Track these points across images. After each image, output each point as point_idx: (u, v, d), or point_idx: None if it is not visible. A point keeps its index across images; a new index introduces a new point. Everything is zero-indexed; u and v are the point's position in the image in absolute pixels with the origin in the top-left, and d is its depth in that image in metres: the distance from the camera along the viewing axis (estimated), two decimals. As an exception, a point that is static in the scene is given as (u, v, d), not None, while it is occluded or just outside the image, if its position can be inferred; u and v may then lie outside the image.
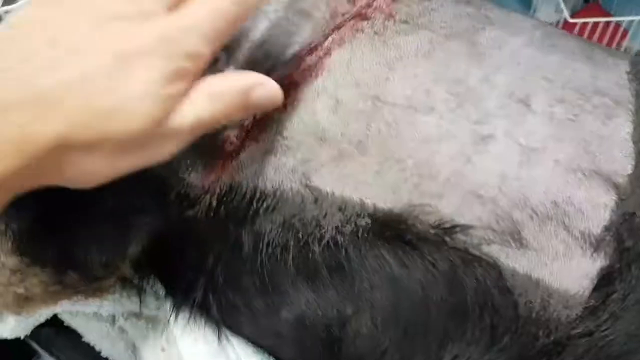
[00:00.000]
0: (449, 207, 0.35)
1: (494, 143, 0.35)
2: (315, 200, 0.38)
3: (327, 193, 0.38)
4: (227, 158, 0.40)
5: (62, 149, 0.28)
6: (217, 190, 0.40)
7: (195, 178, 0.40)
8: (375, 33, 0.40)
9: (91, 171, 0.31)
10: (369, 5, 0.41)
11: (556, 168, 0.35)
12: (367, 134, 0.38)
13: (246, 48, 0.41)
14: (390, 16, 0.41)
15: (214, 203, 0.40)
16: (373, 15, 0.41)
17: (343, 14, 0.41)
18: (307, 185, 0.38)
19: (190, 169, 0.40)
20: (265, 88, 0.35)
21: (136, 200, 0.40)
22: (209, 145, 0.40)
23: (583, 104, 0.37)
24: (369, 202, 0.37)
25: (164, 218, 0.41)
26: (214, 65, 0.42)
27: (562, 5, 0.91)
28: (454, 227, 0.34)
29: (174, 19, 0.30)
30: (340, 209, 0.37)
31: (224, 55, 0.42)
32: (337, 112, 0.39)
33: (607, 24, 0.94)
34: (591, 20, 0.94)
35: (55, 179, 0.31)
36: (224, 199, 0.40)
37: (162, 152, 0.33)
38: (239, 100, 0.34)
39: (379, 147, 0.37)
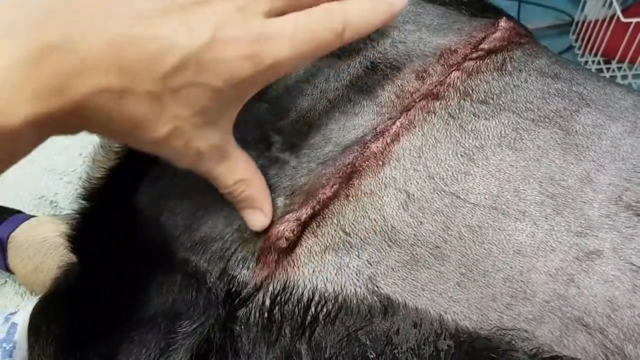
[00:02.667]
0: (548, 335, 0.30)
1: (601, 261, 0.30)
2: (385, 311, 0.33)
3: (399, 303, 0.33)
4: (282, 252, 0.36)
5: None
6: (271, 288, 0.36)
7: (246, 275, 0.36)
8: (450, 116, 0.35)
9: None
10: (441, 83, 0.36)
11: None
12: (445, 237, 0.33)
13: (303, 132, 0.37)
14: (466, 95, 0.36)
15: (267, 302, 0.36)
16: (446, 94, 0.36)
17: (412, 94, 0.36)
18: (374, 292, 0.34)
19: (241, 264, 0.36)
20: None
21: (181, 304, 0.36)
22: (262, 240, 0.36)
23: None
24: (449, 318, 0.32)
25: (212, 322, 0.37)
26: (267, 151, 0.38)
27: (615, 3, 0.85)
28: (554, 358, 0.30)
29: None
30: (415, 325, 0.33)
31: (280, 139, 0.38)
32: (409, 209, 0.34)
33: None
34: None
35: None
36: (279, 298, 0.36)
37: None
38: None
39: (461, 255, 0.32)
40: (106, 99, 0.27)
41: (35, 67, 0.25)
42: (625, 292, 0.29)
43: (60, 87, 0.25)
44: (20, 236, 0.54)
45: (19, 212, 0.58)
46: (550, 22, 1.09)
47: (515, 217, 0.32)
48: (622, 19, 0.88)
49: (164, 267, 0.37)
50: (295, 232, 0.35)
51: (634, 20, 0.88)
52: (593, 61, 1.03)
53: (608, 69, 1.02)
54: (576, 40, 1.07)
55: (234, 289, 0.36)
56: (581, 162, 0.32)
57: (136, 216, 0.38)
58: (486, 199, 0.33)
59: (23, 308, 0.44)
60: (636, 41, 0.92)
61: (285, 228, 0.35)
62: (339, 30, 0.31)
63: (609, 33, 0.94)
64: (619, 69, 1.01)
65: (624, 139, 0.33)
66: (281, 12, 0.30)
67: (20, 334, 0.41)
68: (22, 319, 0.41)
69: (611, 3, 0.87)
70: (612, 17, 0.93)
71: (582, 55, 1.04)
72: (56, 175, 0.62)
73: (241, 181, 0.34)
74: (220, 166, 0.33)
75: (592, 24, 0.99)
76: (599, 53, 1.01)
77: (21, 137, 0.25)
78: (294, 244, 0.35)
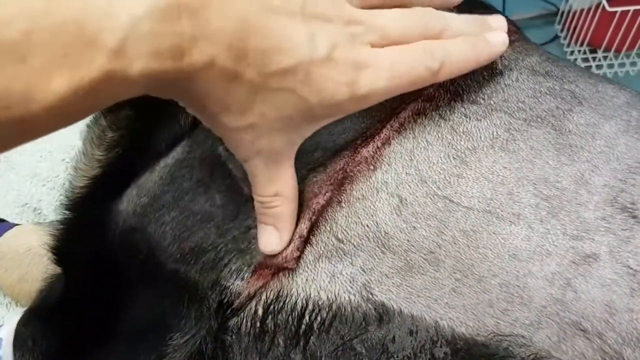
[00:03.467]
0: (546, 340, 0.29)
1: (598, 265, 0.29)
2: (380, 319, 0.33)
3: (394, 311, 0.32)
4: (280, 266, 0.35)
5: None
6: (264, 297, 0.35)
7: (240, 285, 0.35)
8: (441, 117, 0.35)
9: None
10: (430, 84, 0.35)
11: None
12: (439, 242, 0.32)
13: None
14: (456, 95, 0.35)
15: (260, 312, 0.35)
16: (436, 94, 0.35)
17: (401, 95, 0.35)
18: (369, 299, 0.33)
19: (235, 275, 0.35)
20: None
21: (171, 317, 0.36)
22: (261, 254, 0.35)
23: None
24: (445, 324, 0.31)
25: (204, 334, 0.36)
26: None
27: None
28: (552, 363, 0.29)
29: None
30: (411, 333, 0.32)
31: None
32: (402, 214, 0.33)
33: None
34: (631, 8, 0.88)
35: None
36: (272, 307, 0.35)
37: None
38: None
39: (455, 260, 0.32)
40: (216, 77, 0.27)
41: (165, 24, 0.25)
42: (623, 295, 0.29)
43: (182, 51, 0.26)
44: (3, 245, 0.52)
45: (2, 220, 0.57)
46: (535, 12, 1.09)
47: (509, 221, 0.31)
48: (608, 8, 0.88)
49: (152, 279, 0.36)
50: (300, 250, 0.34)
51: (619, 9, 0.88)
52: (579, 51, 1.03)
53: (594, 58, 1.02)
54: (562, 30, 1.07)
55: (226, 300, 0.35)
56: (575, 163, 0.32)
57: (121, 227, 0.37)
58: (480, 202, 0.32)
59: (8, 321, 0.43)
60: (622, 30, 0.92)
61: (292, 249, 0.34)
62: (436, 69, 0.31)
63: (594, 22, 0.94)
64: (605, 58, 1.01)
65: (618, 138, 0.33)
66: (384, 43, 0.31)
67: (6, 349, 0.39)
68: (7, 333, 0.40)
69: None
70: (597, 7, 0.93)
71: (568, 45, 1.04)
72: (39, 182, 0.61)
73: (279, 196, 0.33)
74: (268, 171, 0.32)
75: (577, 14, 0.99)
76: (585, 43, 1.01)
77: (131, 85, 0.25)
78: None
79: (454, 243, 0.32)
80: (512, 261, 0.30)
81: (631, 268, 0.29)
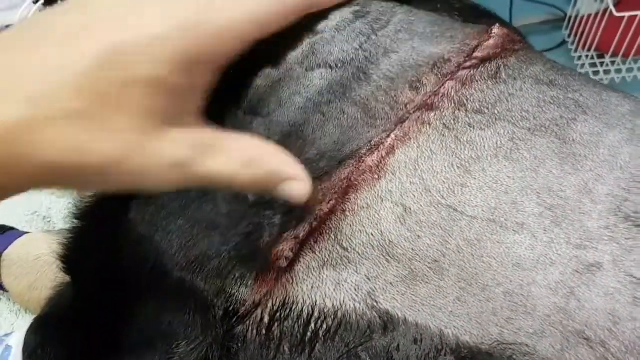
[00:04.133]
0: (549, 349, 0.29)
1: (602, 274, 0.29)
2: (385, 327, 0.33)
3: (399, 319, 0.33)
4: (281, 270, 0.35)
5: None
6: (270, 305, 0.35)
7: (245, 293, 0.35)
8: (445, 127, 0.35)
9: None
10: (435, 93, 0.35)
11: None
12: (443, 251, 0.32)
13: (297, 147, 0.36)
14: (461, 105, 0.35)
15: (266, 319, 0.35)
16: (441, 104, 0.35)
17: (406, 105, 0.35)
18: (373, 307, 0.33)
19: (239, 282, 0.36)
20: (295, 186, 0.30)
21: (178, 325, 0.36)
22: (260, 257, 0.35)
23: None
24: (449, 333, 0.32)
25: (210, 341, 0.36)
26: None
27: None
28: (556, 372, 0.29)
29: None
30: (415, 341, 0.32)
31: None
32: (406, 223, 0.34)
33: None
34: (639, 13, 0.88)
35: None
36: (278, 315, 0.35)
37: None
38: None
39: (460, 269, 0.32)
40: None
41: None
42: (626, 305, 0.29)
43: None
44: (13, 254, 0.53)
45: (11, 228, 0.57)
46: (542, 17, 1.09)
47: (513, 230, 0.31)
48: (615, 13, 0.87)
49: (159, 287, 0.36)
50: (294, 251, 0.35)
51: (627, 14, 0.88)
52: (587, 56, 1.02)
53: (602, 63, 1.02)
54: (569, 36, 1.06)
55: (231, 307, 0.36)
56: (579, 172, 0.32)
57: (129, 235, 0.38)
58: (484, 211, 0.32)
59: (17, 329, 0.43)
60: (629, 35, 0.92)
61: (285, 247, 0.35)
62: None
63: (602, 27, 0.94)
64: (613, 63, 1.01)
65: (622, 148, 0.33)
66: None
67: (15, 357, 0.40)
68: (17, 341, 0.41)
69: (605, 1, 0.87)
70: (604, 11, 0.93)
71: (576, 51, 1.04)
72: (49, 190, 0.62)
73: (247, 164, 0.28)
74: (210, 162, 0.27)
75: (585, 19, 0.99)
76: (592, 48, 1.01)
77: None
78: (292, 261, 0.35)
79: (458, 252, 0.32)
80: (516, 270, 0.31)
81: (635, 277, 0.29)
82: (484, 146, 0.34)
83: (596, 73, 1.00)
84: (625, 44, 0.92)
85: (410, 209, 0.34)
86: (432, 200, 0.33)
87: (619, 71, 1.00)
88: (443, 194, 0.33)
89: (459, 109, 0.35)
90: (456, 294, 0.32)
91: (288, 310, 0.35)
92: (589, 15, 0.97)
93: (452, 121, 0.35)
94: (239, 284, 0.36)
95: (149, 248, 0.37)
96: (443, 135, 0.35)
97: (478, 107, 0.35)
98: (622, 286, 0.29)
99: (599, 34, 0.95)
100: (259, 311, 0.35)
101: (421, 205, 0.33)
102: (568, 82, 0.36)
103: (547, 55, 0.39)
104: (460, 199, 0.33)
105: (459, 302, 0.32)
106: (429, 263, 0.32)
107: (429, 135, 0.35)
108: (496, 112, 0.35)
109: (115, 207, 0.39)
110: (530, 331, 0.30)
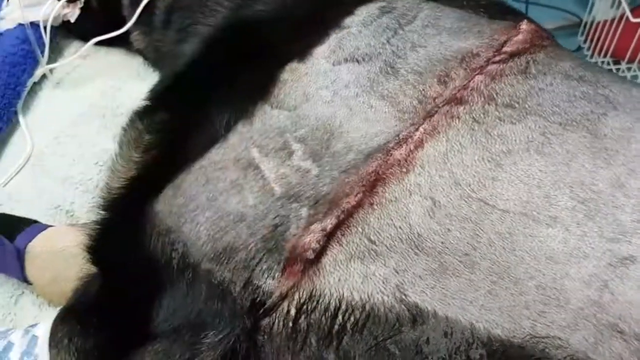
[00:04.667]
0: (582, 342, 0.29)
1: (635, 267, 0.29)
2: (414, 320, 0.33)
3: (428, 312, 0.33)
4: (307, 262, 0.35)
5: None
6: (296, 297, 0.35)
7: (271, 285, 0.35)
8: (475, 120, 0.35)
9: None
10: (464, 87, 0.35)
11: None
12: (474, 245, 0.32)
13: (324, 140, 0.36)
14: (490, 99, 0.35)
15: (293, 311, 0.35)
16: (470, 98, 0.35)
17: (434, 99, 0.36)
18: (402, 301, 0.33)
19: (266, 274, 0.36)
20: None
21: (207, 315, 0.36)
22: (287, 249, 0.35)
23: None
24: (480, 326, 0.31)
25: (238, 332, 0.36)
26: (288, 160, 0.38)
27: (624, 3, 0.84)
28: (589, 366, 0.29)
29: None
30: (445, 334, 0.32)
31: (301, 148, 0.37)
32: (435, 216, 0.33)
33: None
34: None
35: None
36: (304, 307, 0.35)
37: None
38: None
39: (491, 262, 0.32)
40: None
41: None
42: (662, 298, 0.29)
43: None
44: (37, 247, 0.53)
45: (35, 222, 0.58)
46: (558, 23, 1.08)
47: (546, 224, 0.31)
48: (632, 19, 0.87)
49: (187, 277, 0.36)
50: (321, 243, 0.35)
51: (645, 20, 0.87)
52: (602, 62, 1.02)
53: (618, 69, 1.01)
54: (585, 41, 1.06)
55: (258, 299, 0.36)
56: (611, 167, 0.32)
57: (157, 227, 0.38)
58: (516, 205, 0.32)
59: (43, 320, 0.43)
60: (646, 41, 0.91)
61: (312, 239, 0.35)
62: None
63: (618, 33, 0.93)
64: (629, 69, 1.00)
65: (654, 142, 0.33)
66: None
67: (41, 347, 0.40)
68: (43, 332, 0.41)
69: (620, 3, 0.86)
70: (621, 17, 0.92)
71: (592, 57, 1.04)
72: (72, 185, 0.62)
73: None
74: None
75: (600, 25, 0.98)
76: (609, 54, 1.00)
77: None
78: (319, 253, 0.35)
79: (490, 245, 0.32)
80: (549, 263, 0.30)
81: (669, 271, 0.29)
82: (515, 140, 0.34)
83: (612, 79, 0.99)
84: (642, 49, 0.92)
85: (440, 202, 0.34)
86: (462, 193, 0.33)
87: (635, 77, 1.00)
88: (473, 187, 0.33)
89: (488, 103, 0.35)
90: (487, 287, 0.32)
91: (315, 303, 0.35)
92: (605, 21, 0.97)
93: (481, 115, 0.35)
94: (266, 276, 0.36)
95: (177, 239, 0.37)
96: (473, 129, 0.35)
97: (508, 101, 0.35)
98: (656, 279, 0.29)
99: (615, 39, 0.94)
100: (286, 304, 0.35)
101: (451, 199, 0.33)
102: (597, 78, 0.36)
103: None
104: (491, 193, 0.33)
105: (490, 295, 0.31)
106: (459, 256, 0.32)
107: (458, 129, 0.35)
108: (527, 106, 0.35)
109: (141, 199, 0.40)
110: (563, 324, 0.30)
